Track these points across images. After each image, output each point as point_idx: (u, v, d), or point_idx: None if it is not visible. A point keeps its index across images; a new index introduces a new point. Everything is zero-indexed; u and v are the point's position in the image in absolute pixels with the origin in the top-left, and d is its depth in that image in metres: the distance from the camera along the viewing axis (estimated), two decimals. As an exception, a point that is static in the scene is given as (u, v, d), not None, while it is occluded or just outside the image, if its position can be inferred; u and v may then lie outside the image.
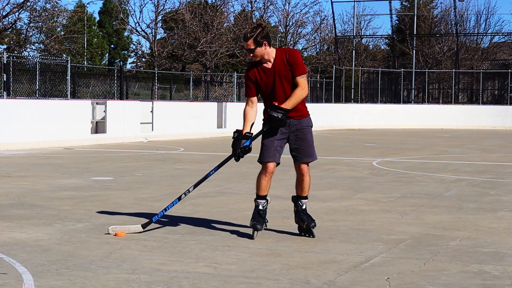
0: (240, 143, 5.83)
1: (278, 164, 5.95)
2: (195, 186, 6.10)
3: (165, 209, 6.07)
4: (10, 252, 5.23)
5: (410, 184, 10.13)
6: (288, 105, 5.78)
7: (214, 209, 7.54)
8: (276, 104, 5.80)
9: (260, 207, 5.96)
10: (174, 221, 6.68)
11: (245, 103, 6.00)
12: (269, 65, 5.86)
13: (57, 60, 22.71)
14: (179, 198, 6.10)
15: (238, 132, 5.90)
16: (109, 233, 5.90)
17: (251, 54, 5.80)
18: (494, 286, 4.49)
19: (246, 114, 5.94)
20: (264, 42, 5.76)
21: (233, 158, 5.91)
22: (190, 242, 5.70)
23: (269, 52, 5.83)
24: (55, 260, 5.02)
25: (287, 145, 5.98)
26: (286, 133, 5.92)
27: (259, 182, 5.96)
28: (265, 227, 6.04)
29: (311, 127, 6.02)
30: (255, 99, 5.96)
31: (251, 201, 6.22)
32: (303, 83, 5.81)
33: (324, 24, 43.93)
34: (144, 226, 6.04)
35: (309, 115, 6.03)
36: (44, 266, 4.83)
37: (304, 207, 6.03)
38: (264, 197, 5.98)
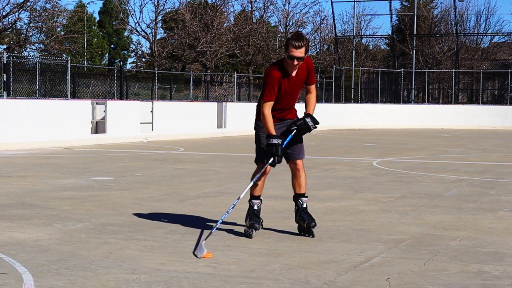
0: (282, 149, 5.74)
1: None
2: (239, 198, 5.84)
3: (221, 220, 5.73)
4: (10, 252, 5.23)
5: (410, 184, 10.13)
6: (312, 112, 5.98)
7: (214, 209, 7.54)
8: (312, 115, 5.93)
9: (256, 207, 6.02)
10: (174, 221, 6.68)
11: (260, 104, 5.82)
12: (294, 73, 5.84)
13: (57, 60, 22.71)
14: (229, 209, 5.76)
15: (275, 138, 5.71)
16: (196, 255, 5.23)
17: (297, 62, 5.71)
18: (494, 286, 4.49)
19: (270, 117, 5.78)
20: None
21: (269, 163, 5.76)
22: (190, 242, 5.70)
23: None
24: (55, 260, 5.02)
25: None
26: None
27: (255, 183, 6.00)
28: (261, 226, 6.06)
29: None
30: (272, 103, 5.84)
31: (251, 201, 6.22)
32: (315, 91, 6.06)
33: (324, 24, 43.94)
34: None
35: (297, 114, 6.18)
36: (44, 266, 4.83)
37: (304, 205, 6.05)
38: (258, 197, 6.05)
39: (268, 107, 5.78)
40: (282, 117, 5.98)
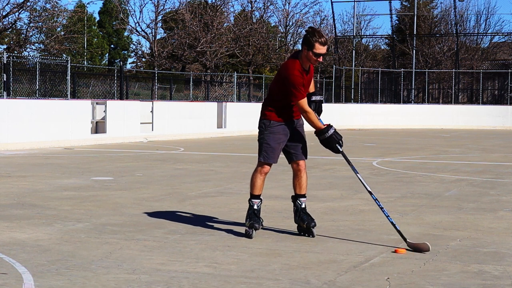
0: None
1: None
2: (370, 192, 6.00)
3: (390, 220, 5.90)
4: (10, 252, 5.23)
5: (410, 184, 10.13)
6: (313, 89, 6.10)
7: (214, 209, 7.54)
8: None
9: (255, 207, 5.99)
10: (174, 221, 6.68)
11: (296, 103, 5.82)
12: (308, 70, 5.86)
13: (57, 60, 22.71)
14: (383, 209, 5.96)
15: (328, 129, 5.92)
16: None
17: (320, 59, 5.72)
18: (494, 286, 4.49)
19: (313, 113, 5.88)
20: None
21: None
22: (190, 242, 5.70)
23: None
24: (55, 260, 5.02)
25: None
26: (289, 134, 5.96)
27: (255, 181, 5.99)
28: (261, 226, 6.05)
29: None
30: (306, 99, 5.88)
31: (251, 201, 6.22)
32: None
33: (324, 24, 43.94)
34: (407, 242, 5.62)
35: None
36: (44, 266, 4.83)
37: (303, 206, 6.05)
38: (258, 197, 6.02)
39: (305, 104, 5.82)
40: (290, 116, 5.95)
